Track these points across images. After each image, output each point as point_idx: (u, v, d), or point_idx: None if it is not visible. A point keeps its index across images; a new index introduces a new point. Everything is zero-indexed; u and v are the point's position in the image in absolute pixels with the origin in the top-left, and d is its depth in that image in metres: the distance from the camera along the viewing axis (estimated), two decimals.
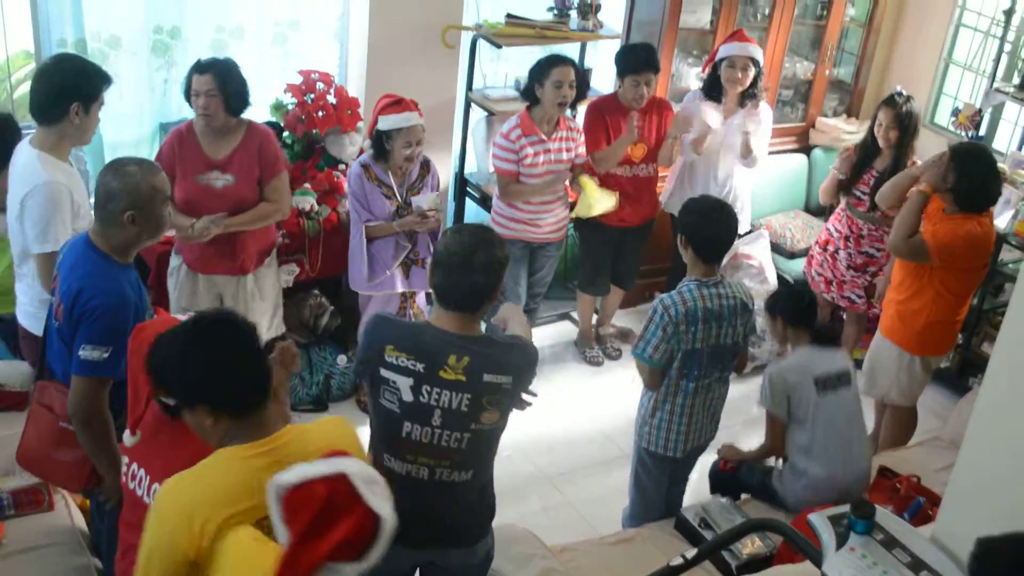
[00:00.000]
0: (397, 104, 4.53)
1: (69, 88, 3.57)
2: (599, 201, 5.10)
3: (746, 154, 5.35)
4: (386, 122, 4.50)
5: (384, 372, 2.87)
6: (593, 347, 5.89)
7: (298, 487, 2.10)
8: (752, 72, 5.30)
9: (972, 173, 4.29)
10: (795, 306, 4.08)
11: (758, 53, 5.34)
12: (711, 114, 5.38)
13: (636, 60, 5.10)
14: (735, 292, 3.81)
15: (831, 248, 5.38)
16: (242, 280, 4.51)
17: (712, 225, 3.77)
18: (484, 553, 3.18)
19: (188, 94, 4.23)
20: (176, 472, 2.45)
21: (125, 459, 2.79)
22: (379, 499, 2.10)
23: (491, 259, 2.86)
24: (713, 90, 5.40)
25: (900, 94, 5.07)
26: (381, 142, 4.56)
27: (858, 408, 4.07)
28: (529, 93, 4.95)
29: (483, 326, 3.07)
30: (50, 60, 3.81)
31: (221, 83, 4.13)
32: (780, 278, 5.85)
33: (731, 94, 5.36)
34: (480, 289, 2.86)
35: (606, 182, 5.22)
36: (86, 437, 3.09)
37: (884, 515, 2.73)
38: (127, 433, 2.72)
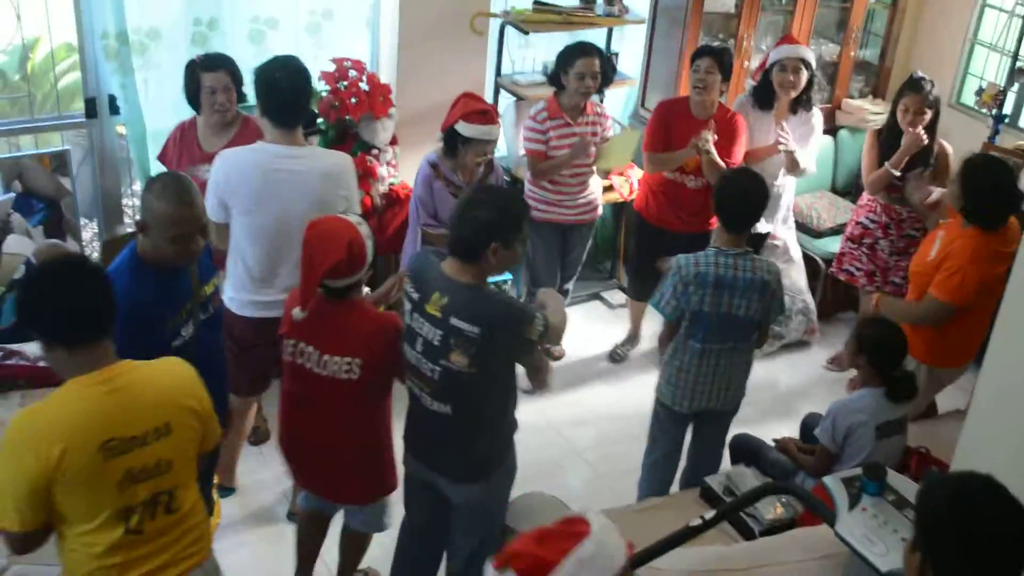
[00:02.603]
0: (484, 114, 4.49)
1: (307, 89, 3.90)
2: (617, 149, 5.14)
3: (792, 168, 5.28)
4: (469, 130, 4.44)
5: (403, 297, 3.30)
6: (626, 347, 5.82)
7: None
8: (804, 75, 5.17)
9: (979, 191, 4.14)
10: (886, 348, 3.85)
11: (809, 55, 5.23)
12: (761, 121, 5.29)
13: (697, 50, 5.07)
14: (756, 267, 3.87)
15: (868, 241, 5.34)
16: None
17: (739, 196, 3.89)
18: (476, 501, 3.40)
19: (195, 93, 4.29)
20: (341, 344, 3.22)
21: (292, 341, 3.32)
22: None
23: (476, 218, 3.08)
24: (764, 97, 5.30)
25: (924, 78, 5.03)
26: (455, 141, 4.52)
27: (904, 449, 3.97)
28: (555, 79, 5.02)
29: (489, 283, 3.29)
30: (279, 67, 3.82)
31: (232, 76, 4.26)
32: (806, 256, 5.93)
33: (783, 100, 5.25)
34: (466, 241, 3.10)
35: (649, 181, 5.26)
36: None
37: (895, 477, 2.82)
38: (297, 309, 3.22)
